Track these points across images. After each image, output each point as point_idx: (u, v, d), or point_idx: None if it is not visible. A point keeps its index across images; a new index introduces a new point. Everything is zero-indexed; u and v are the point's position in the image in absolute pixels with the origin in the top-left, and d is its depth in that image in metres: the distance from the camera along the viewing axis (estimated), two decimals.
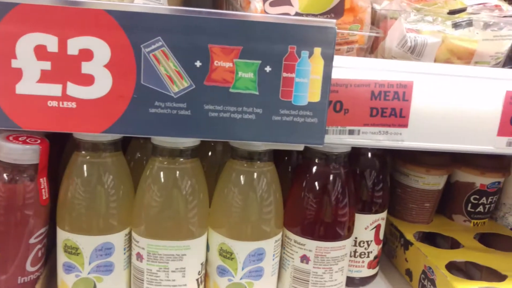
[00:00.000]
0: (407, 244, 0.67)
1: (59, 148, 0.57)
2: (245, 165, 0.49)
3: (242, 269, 0.50)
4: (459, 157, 0.74)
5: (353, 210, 0.54)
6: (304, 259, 0.53)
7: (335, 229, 0.52)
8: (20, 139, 0.46)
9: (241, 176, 0.49)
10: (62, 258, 0.49)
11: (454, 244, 0.69)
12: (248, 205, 0.49)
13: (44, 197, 0.48)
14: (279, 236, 0.52)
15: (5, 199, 0.46)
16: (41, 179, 0.47)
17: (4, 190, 0.46)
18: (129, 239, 0.50)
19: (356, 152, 0.61)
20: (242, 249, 0.49)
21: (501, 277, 0.58)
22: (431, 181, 0.71)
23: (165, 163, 0.48)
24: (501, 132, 0.43)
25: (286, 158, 0.63)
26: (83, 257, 0.48)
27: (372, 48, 0.55)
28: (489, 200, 0.74)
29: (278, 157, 0.60)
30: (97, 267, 0.49)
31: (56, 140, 0.55)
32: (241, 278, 0.50)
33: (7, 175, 0.46)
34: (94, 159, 0.47)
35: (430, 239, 0.73)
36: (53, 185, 0.50)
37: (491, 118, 0.44)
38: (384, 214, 0.63)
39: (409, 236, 0.68)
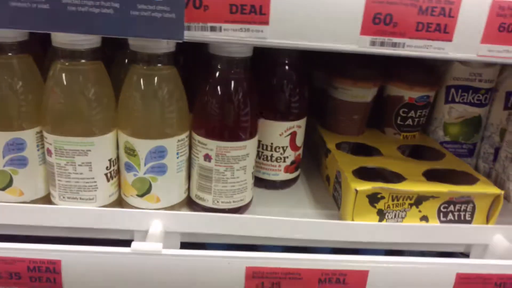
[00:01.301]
0: (327, 152, 0.71)
1: None
2: (145, 68, 0.52)
3: (145, 165, 0.54)
4: (389, 71, 0.75)
5: (254, 113, 0.57)
6: (207, 157, 0.57)
7: (233, 130, 0.56)
8: None
9: (141, 80, 0.52)
10: None
11: (377, 154, 0.73)
12: (145, 106, 0.52)
13: None
14: (182, 136, 0.56)
15: None
16: None
17: None
18: (41, 137, 0.55)
19: (272, 61, 0.64)
20: (142, 146, 0.53)
21: (402, 180, 0.62)
22: (359, 94, 0.73)
23: (66, 64, 0.51)
24: (364, 31, 0.44)
25: None
26: None
27: None
28: (418, 113, 0.77)
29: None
30: (11, 161, 0.54)
31: None
32: (144, 173, 0.55)
33: None
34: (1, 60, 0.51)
35: (361, 150, 0.76)
36: None
37: (354, 17, 0.44)
38: (300, 123, 0.66)
39: (330, 145, 0.71)
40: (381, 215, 0.59)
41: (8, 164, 0.54)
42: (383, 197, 0.59)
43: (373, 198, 0.58)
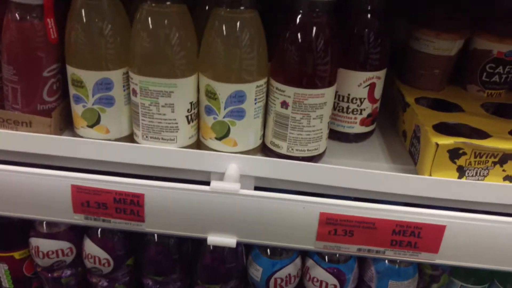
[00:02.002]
0: (405, 106, 0.69)
1: None
2: (227, 11, 0.52)
3: (224, 108, 0.55)
4: (477, 22, 0.71)
5: (334, 60, 0.56)
6: (284, 104, 0.57)
7: (312, 77, 0.55)
8: None
9: (223, 23, 0.53)
10: (71, 90, 0.57)
11: (459, 111, 0.69)
12: (227, 49, 0.53)
13: (52, 36, 0.55)
14: (261, 82, 0.56)
15: (18, 36, 0.53)
16: (48, 19, 0.54)
17: (16, 27, 0.53)
18: (127, 78, 0.57)
19: (354, 8, 0.61)
20: (223, 90, 0.54)
21: (486, 137, 0.59)
22: (442, 46, 0.70)
23: (153, 5, 0.52)
24: None
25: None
26: (87, 90, 0.56)
27: None
28: (507, 69, 0.72)
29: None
30: (100, 99, 0.57)
31: None
32: (224, 117, 0.56)
33: (18, 14, 0.53)
34: (91, 1, 0.53)
35: (441, 106, 0.73)
36: None
37: None
38: (380, 73, 0.64)
39: (409, 99, 0.69)
40: (461, 172, 0.57)
41: (97, 102, 0.57)
42: (465, 153, 0.56)
43: (454, 154, 0.56)
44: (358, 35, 0.61)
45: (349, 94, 0.64)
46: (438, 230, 0.52)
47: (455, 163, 0.57)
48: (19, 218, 0.56)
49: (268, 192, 0.51)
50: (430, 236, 0.53)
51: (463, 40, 0.70)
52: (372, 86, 0.64)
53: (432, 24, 0.69)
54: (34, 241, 0.66)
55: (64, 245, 0.66)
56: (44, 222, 0.65)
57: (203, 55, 0.55)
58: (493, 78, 0.73)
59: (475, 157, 0.57)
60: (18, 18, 0.53)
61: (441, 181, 0.55)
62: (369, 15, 0.61)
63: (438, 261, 0.55)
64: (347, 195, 0.58)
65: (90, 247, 0.66)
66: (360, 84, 0.63)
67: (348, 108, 0.65)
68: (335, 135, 0.68)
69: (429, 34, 0.69)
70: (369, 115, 0.66)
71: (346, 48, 0.61)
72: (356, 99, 0.65)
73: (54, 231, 0.66)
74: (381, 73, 0.64)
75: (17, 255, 0.71)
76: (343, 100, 0.65)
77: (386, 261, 0.68)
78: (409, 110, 0.67)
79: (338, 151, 0.66)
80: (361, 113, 0.66)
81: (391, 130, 0.74)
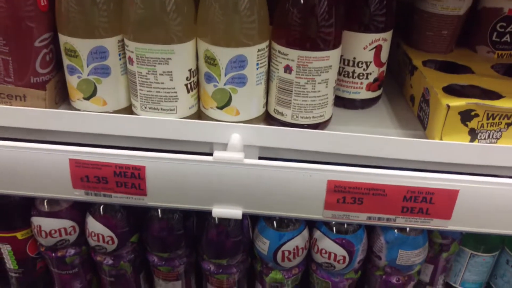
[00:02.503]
0: (413, 70, 0.66)
1: None
2: None
3: (225, 75, 0.53)
4: None
5: (339, 20, 0.53)
6: (287, 69, 0.54)
7: (316, 38, 0.52)
8: None
9: None
10: (65, 61, 0.55)
11: (468, 73, 0.67)
12: (226, 11, 0.50)
13: (42, 3, 0.52)
14: (262, 46, 0.53)
15: (5, 4, 0.51)
16: None
17: None
18: (123, 46, 0.54)
19: None
20: (223, 55, 0.52)
21: (499, 97, 0.56)
22: (451, 5, 0.67)
23: None
24: None
25: None
26: (81, 59, 0.53)
27: None
28: None
29: None
30: (95, 69, 0.54)
31: None
32: (225, 84, 0.54)
33: None
34: None
35: (450, 69, 0.70)
36: None
37: None
38: (386, 35, 0.61)
39: (416, 62, 0.66)
40: (473, 135, 0.55)
41: (92, 72, 0.54)
42: (477, 115, 0.54)
43: (466, 116, 0.54)
44: None
45: (354, 58, 0.62)
46: (451, 195, 0.51)
47: (466, 125, 0.55)
48: (17, 196, 0.54)
49: (272, 161, 0.50)
50: (443, 201, 0.51)
51: None
52: (378, 49, 0.61)
53: None
54: (36, 220, 0.64)
55: (66, 223, 0.65)
56: (45, 201, 0.64)
57: (201, 19, 0.52)
58: (504, 38, 0.70)
59: (488, 118, 0.54)
60: None
61: (452, 145, 0.53)
62: None
63: (450, 227, 0.53)
64: (355, 162, 0.56)
65: (93, 225, 0.64)
66: (366, 47, 0.61)
67: (353, 72, 0.63)
68: (340, 101, 0.65)
69: None
70: (375, 80, 0.64)
71: (351, 9, 0.58)
72: (362, 63, 0.62)
73: (56, 209, 0.64)
74: (387, 35, 0.62)
75: (19, 235, 0.70)
76: (348, 64, 0.62)
77: (396, 231, 0.66)
78: (416, 73, 0.64)
79: (344, 118, 0.64)
80: (367, 78, 0.63)
81: (398, 95, 0.71)
